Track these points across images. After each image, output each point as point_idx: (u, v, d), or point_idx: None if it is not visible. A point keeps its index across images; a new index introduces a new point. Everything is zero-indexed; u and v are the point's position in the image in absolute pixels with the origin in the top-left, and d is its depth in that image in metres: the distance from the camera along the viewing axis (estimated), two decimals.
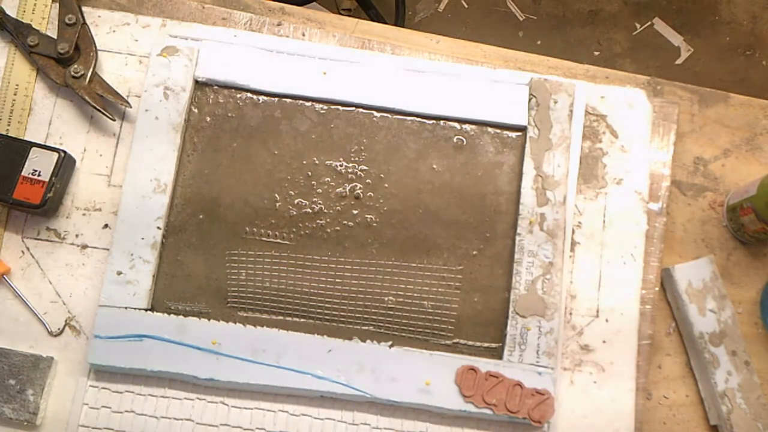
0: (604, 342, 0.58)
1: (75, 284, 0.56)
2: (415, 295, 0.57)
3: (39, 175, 0.55)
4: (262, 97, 0.60)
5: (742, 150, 0.64)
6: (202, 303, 0.56)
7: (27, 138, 0.58)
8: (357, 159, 0.59)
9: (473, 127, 0.61)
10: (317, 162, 0.59)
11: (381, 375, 0.54)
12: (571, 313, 0.58)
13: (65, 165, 0.56)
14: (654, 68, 1.43)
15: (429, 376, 0.55)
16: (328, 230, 0.58)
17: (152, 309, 0.55)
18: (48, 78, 0.59)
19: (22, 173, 0.55)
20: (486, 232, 0.59)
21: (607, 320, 0.58)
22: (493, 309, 0.57)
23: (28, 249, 0.57)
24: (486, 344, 0.57)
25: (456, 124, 0.60)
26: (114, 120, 0.59)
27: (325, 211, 0.58)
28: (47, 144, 0.57)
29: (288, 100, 0.60)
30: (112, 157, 0.59)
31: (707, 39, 1.45)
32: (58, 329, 0.56)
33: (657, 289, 0.60)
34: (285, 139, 0.59)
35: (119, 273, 0.55)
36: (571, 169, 0.60)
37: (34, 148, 0.56)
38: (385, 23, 1.09)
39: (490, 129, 0.61)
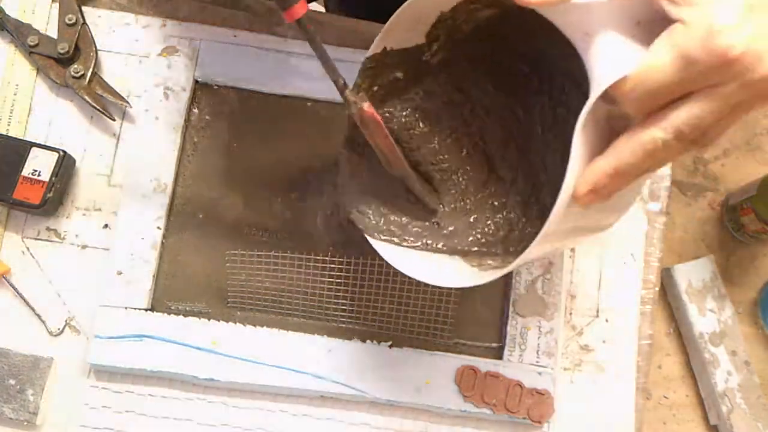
0: (604, 342, 0.58)
1: (75, 284, 0.56)
2: (416, 295, 0.57)
3: (39, 175, 0.55)
4: (262, 97, 0.60)
5: (742, 150, 0.64)
6: (202, 303, 0.56)
7: (27, 138, 0.58)
8: None
9: None
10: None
11: (381, 375, 0.54)
12: (571, 313, 0.58)
13: (65, 165, 0.56)
14: None
15: (429, 376, 0.55)
16: None
17: (152, 309, 0.55)
18: (48, 78, 0.59)
19: (22, 173, 0.55)
20: None
21: (607, 320, 0.58)
22: (493, 309, 0.57)
23: (28, 249, 0.57)
24: (486, 344, 0.57)
25: None
26: (114, 120, 0.59)
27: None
28: (47, 144, 0.57)
29: (288, 100, 0.60)
30: (112, 157, 0.59)
31: None
32: (58, 329, 0.56)
33: (657, 289, 0.60)
34: (285, 139, 0.59)
35: (119, 273, 0.55)
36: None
37: (34, 148, 0.56)
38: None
39: None
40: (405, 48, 0.48)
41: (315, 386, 0.54)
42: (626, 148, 0.34)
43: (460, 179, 0.53)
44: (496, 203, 0.51)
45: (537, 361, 0.55)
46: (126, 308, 0.54)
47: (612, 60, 0.34)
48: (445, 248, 0.50)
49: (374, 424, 0.55)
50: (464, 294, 0.57)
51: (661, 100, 0.34)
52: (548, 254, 0.42)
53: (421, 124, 0.52)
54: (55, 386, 0.55)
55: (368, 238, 0.49)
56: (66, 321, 0.56)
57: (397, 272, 0.56)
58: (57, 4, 0.60)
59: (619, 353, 0.58)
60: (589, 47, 0.35)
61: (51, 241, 0.57)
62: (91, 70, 0.59)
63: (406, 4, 0.43)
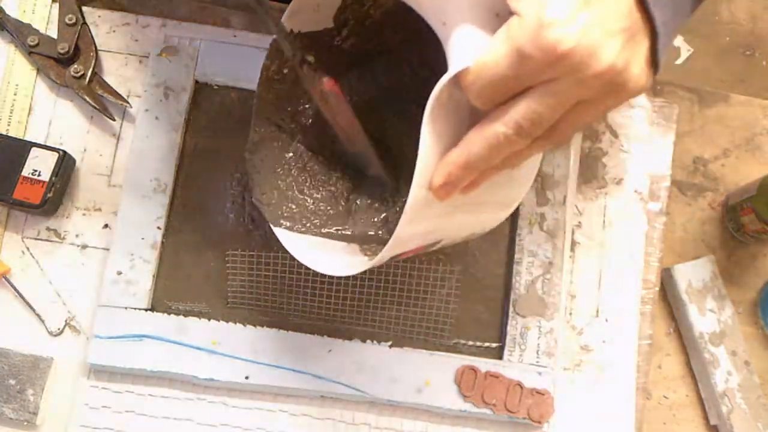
0: (604, 342, 0.58)
1: (75, 284, 0.56)
2: (415, 295, 0.57)
3: (39, 175, 0.55)
4: None
5: (742, 150, 0.64)
6: (202, 303, 0.56)
7: (27, 138, 0.58)
8: None
9: None
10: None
11: (381, 375, 0.54)
12: (571, 313, 0.58)
13: (65, 165, 0.56)
14: None
15: (429, 376, 0.55)
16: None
17: (152, 309, 0.55)
18: (48, 78, 0.59)
19: (22, 173, 0.55)
20: None
21: (607, 320, 0.58)
22: (493, 309, 0.57)
23: (28, 249, 0.57)
24: (486, 344, 0.57)
25: None
26: (114, 120, 0.59)
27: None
28: (47, 144, 0.57)
29: None
30: (112, 157, 0.59)
31: (707, 39, 1.45)
32: (58, 329, 0.56)
33: (657, 289, 0.60)
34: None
35: (119, 273, 0.55)
36: (571, 168, 0.60)
37: (34, 148, 0.56)
38: None
39: None
40: (314, 31, 0.47)
41: (315, 386, 0.54)
42: (474, 141, 0.34)
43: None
44: (379, 191, 0.51)
45: (537, 361, 0.55)
46: (126, 308, 0.54)
47: (461, 52, 0.33)
48: (343, 236, 0.50)
49: (374, 424, 0.55)
50: (464, 294, 0.57)
51: (501, 94, 0.33)
52: (436, 237, 0.41)
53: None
54: (55, 386, 0.55)
55: (270, 224, 0.49)
56: (66, 321, 0.56)
57: (397, 272, 0.56)
58: (57, 4, 0.60)
59: (619, 353, 0.58)
60: (447, 37, 0.34)
61: (51, 241, 0.57)
62: (91, 70, 0.59)
63: None
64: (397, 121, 0.52)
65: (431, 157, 0.35)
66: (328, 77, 0.43)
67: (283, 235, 0.48)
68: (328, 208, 0.51)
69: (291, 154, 0.51)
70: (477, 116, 0.35)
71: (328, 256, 0.48)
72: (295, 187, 0.51)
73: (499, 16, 0.34)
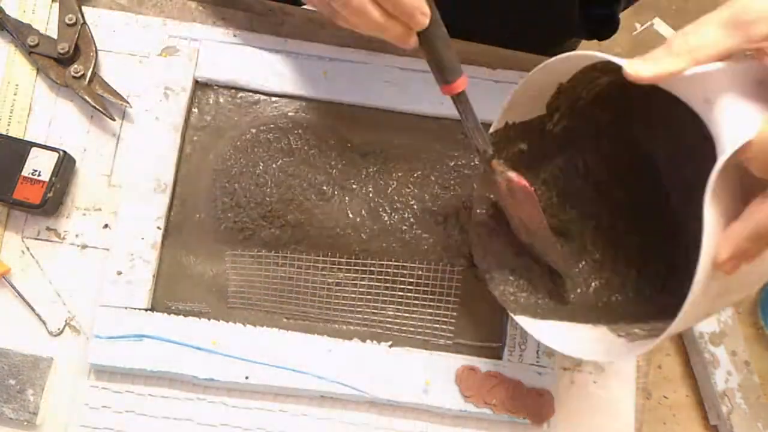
0: None
1: (75, 284, 0.56)
2: (415, 295, 0.57)
3: (39, 175, 0.55)
4: (262, 97, 0.60)
5: None
6: (202, 303, 0.56)
7: (27, 138, 0.58)
8: None
9: None
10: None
11: (381, 375, 0.54)
12: None
13: (65, 165, 0.56)
14: None
15: (429, 376, 0.55)
16: (330, 230, 0.58)
17: (152, 309, 0.55)
18: (48, 78, 0.59)
19: (22, 173, 0.55)
20: None
21: None
22: (493, 309, 0.57)
23: (28, 249, 0.57)
24: (486, 344, 0.57)
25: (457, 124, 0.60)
26: (114, 120, 0.59)
27: (327, 210, 0.58)
28: (47, 144, 0.57)
29: (288, 100, 0.60)
30: (112, 157, 0.59)
31: None
32: (58, 329, 0.56)
33: None
34: (285, 139, 0.59)
35: (119, 273, 0.55)
36: None
37: (34, 148, 0.56)
38: None
39: None
40: (527, 120, 0.48)
41: (315, 386, 0.54)
42: (760, 210, 0.34)
43: (590, 249, 0.53)
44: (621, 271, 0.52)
45: (537, 361, 0.55)
46: (126, 308, 0.54)
47: (734, 125, 0.34)
48: (580, 317, 0.50)
49: (374, 424, 0.55)
50: (464, 294, 0.57)
51: None
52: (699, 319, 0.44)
53: (553, 198, 0.53)
54: (55, 386, 0.55)
55: (511, 314, 0.50)
56: (66, 321, 0.56)
57: (397, 272, 0.56)
58: (57, 4, 0.60)
59: None
60: (710, 114, 0.35)
61: (51, 241, 0.57)
62: (91, 70, 0.59)
63: (524, 81, 0.44)
64: (591, 202, 0.53)
65: (715, 234, 0.35)
66: (516, 173, 0.45)
67: (524, 321, 0.49)
68: (554, 292, 0.52)
69: (505, 241, 0.52)
70: (749, 189, 0.35)
71: (576, 338, 0.48)
72: (521, 274, 0.53)
73: (764, 83, 0.35)
